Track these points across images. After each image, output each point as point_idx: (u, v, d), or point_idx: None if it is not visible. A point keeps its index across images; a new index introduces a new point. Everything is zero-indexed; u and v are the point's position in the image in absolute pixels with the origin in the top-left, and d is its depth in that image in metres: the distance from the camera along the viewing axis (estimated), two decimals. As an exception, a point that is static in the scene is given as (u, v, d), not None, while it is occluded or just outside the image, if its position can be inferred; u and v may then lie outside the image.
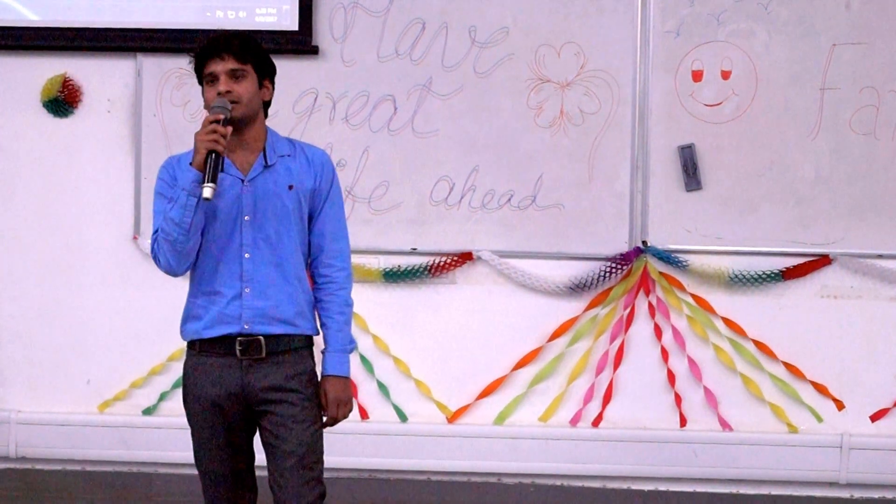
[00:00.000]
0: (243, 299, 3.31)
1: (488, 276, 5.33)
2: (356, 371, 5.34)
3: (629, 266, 5.27)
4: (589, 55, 5.26)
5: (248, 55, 3.33)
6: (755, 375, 5.27)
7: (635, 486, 5.33)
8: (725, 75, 5.24)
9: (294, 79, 5.31)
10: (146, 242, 5.38)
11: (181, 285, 5.33)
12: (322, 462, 3.37)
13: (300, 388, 3.34)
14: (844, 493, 5.27)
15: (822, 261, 5.24)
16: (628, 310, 5.30)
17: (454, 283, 5.36)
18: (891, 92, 5.19)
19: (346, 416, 3.42)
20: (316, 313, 3.45)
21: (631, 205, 5.26)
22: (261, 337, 3.31)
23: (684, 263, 5.25)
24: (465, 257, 5.31)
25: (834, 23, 5.19)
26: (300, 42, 5.29)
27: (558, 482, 5.34)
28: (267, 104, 3.44)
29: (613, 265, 5.26)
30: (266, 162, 3.36)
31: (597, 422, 5.33)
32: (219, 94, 3.28)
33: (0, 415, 5.43)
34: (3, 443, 5.43)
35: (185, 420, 5.28)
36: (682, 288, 5.29)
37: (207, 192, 3.15)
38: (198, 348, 3.38)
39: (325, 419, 3.41)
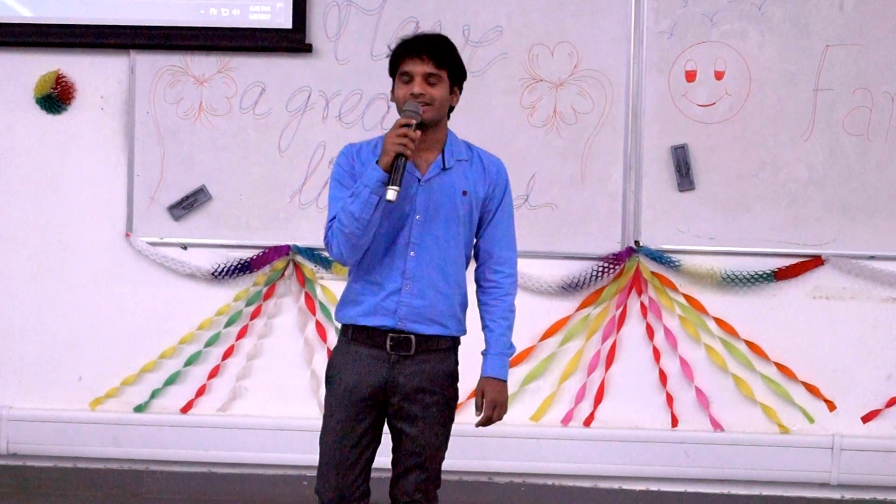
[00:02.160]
0: (401, 295, 3.41)
1: (481, 275, 5.33)
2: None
3: (621, 266, 5.27)
4: (582, 55, 5.26)
5: (445, 60, 3.41)
6: (747, 376, 5.28)
7: (626, 486, 5.33)
8: (719, 76, 5.24)
9: (287, 77, 5.32)
10: (139, 240, 5.39)
11: (176, 283, 5.41)
12: (443, 459, 3.53)
13: (440, 389, 3.47)
14: (835, 494, 5.27)
15: (814, 261, 5.24)
16: (620, 309, 5.30)
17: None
18: (884, 93, 5.20)
19: (500, 419, 3.54)
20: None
21: (623, 205, 5.26)
22: (412, 336, 3.42)
23: (677, 263, 5.26)
24: (458, 256, 5.31)
25: (827, 24, 5.20)
26: (294, 40, 5.29)
27: (549, 482, 5.34)
28: (451, 109, 3.51)
29: (606, 265, 5.26)
30: (444, 165, 3.44)
31: (588, 421, 5.33)
32: (412, 94, 3.36)
33: (-9, 411, 5.45)
34: (-5, 439, 5.44)
35: (176, 417, 5.40)
36: (674, 288, 5.29)
37: (391, 194, 3.23)
38: (350, 335, 3.48)
39: (479, 419, 3.52)
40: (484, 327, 3.53)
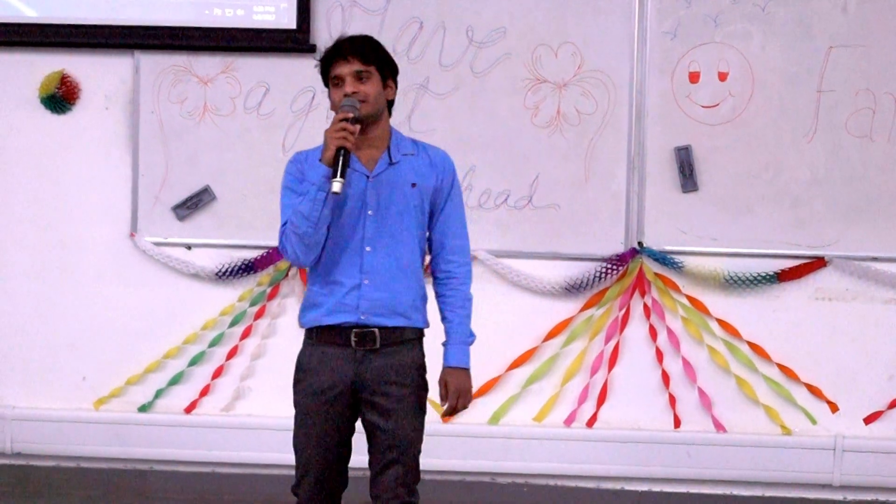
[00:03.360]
0: (362, 290, 3.45)
1: (484, 276, 5.32)
2: (351, 369, 5.36)
3: (625, 267, 5.27)
4: (586, 56, 5.27)
5: (373, 57, 3.47)
6: (749, 377, 5.28)
7: (629, 487, 5.33)
8: (722, 77, 5.25)
9: (291, 77, 5.32)
10: (143, 240, 5.40)
11: (180, 283, 5.42)
12: (420, 451, 3.53)
13: (408, 380, 3.49)
14: (838, 496, 5.27)
15: (817, 263, 5.24)
16: (623, 310, 5.31)
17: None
18: (887, 94, 5.20)
19: (465, 407, 3.58)
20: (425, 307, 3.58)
21: (627, 205, 5.27)
22: (376, 329, 3.46)
23: (680, 264, 5.26)
24: (461, 257, 5.32)
25: (831, 25, 5.20)
26: (298, 40, 5.30)
27: (552, 482, 5.35)
28: (391, 104, 3.56)
29: (609, 266, 5.26)
30: (391, 159, 3.50)
31: (591, 422, 5.33)
32: (346, 94, 3.42)
33: (-5, 411, 5.46)
34: (-1, 439, 5.45)
35: (180, 417, 5.40)
36: (677, 289, 5.29)
37: (336, 186, 3.30)
38: (315, 338, 3.52)
39: (444, 408, 3.54)
40: (443, 318, 3.57)
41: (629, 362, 5.32)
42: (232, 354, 5.42)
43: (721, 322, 5.27)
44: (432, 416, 5.25)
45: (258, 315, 5.40)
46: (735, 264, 5.25)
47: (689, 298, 5.28)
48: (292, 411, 5.32)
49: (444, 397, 3.54)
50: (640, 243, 5.28)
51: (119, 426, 5.41)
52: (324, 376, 3.48)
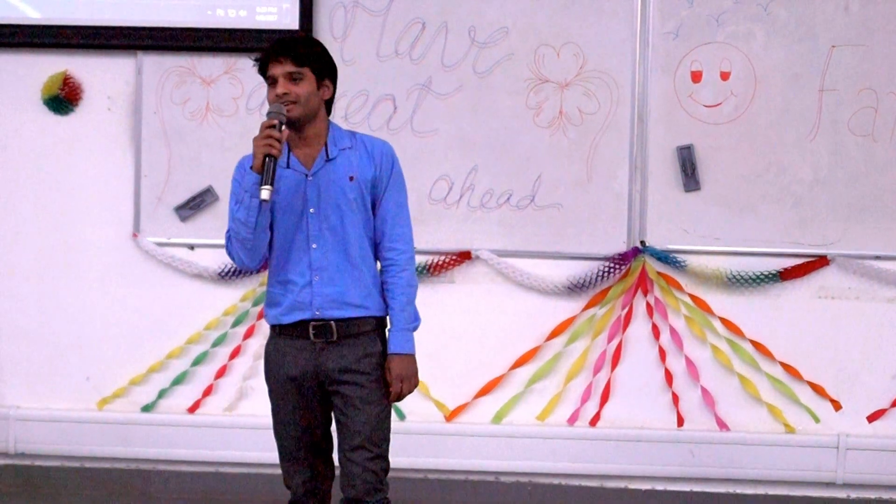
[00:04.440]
0: (313, 287, 3.55)
1: (487, 276, 5.33)
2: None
3: (627, 266, 5.28)
4: (588, 56, 5.27)
5: (305, 58, 3.53)
6: (752, 375, 5.28)
7: (633, 486, 5.34)
8: (724, 76, 5.25)
9: (294, 77, 5.32)
10: (146, 240, 5.41)
11: (183, 283, 5.42)
12: (388, 440, 3.61)
13: (369, 369, 3.57)
14: (841, 494, 5.27)
15: (819, 262, 5.25)
16: (626, 309, 5.31)
17: (453, 283, 5.37)
18: (889, 94, 5.20)
19: (410, 392, 3.63)
20: None
21: (629, 205, 5.27)
22: (332, 322, 3.55)
23: (682, 263, 5.27)
24: (464, 256, 5.33)
25: (833, 24, 5.20)
26: (300, 41, 5.30)
27: (556, 481, 5.35)
28: (329, 102, 3.63)
29: (611, 265, 5.27)
30: (327, 156, 3.57)
31: (594, 421, 5.33)
32: (277, 95, 3.49)
33: (-1, 411, 5.46)
34: (2, 439, 5.44)
35: (183, 417, 5.42)
36: (679, 288, 5.30)
37: (265, 194, 3.37)
38: (278, 331, 3.63)
39: (389, 395, 3.61)
40: (387, 305, 3.63)
41: (632, 361, 5.33)
42: (235, 354, 5.42)
43: (724, 321, 5.28)
44: (436, 417, 5.30)
45: (261, 315, 5.40)
46: (738, 263, 5.26)
47: (692, 297, 5.29)
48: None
49: (389, 383, 3.59)
50: (642, 242, 5.28)
51: (123, 426, 5.42)
52: (288, 367, 3.58)
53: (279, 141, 3.41)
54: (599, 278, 5.28)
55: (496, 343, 5.34)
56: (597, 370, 5.33)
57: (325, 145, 3.58)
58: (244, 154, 5.30)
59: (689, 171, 5.25)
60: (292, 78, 3.50)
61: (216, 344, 5.41)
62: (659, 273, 5.29)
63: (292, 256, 3.56)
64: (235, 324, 5.41)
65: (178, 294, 5.44)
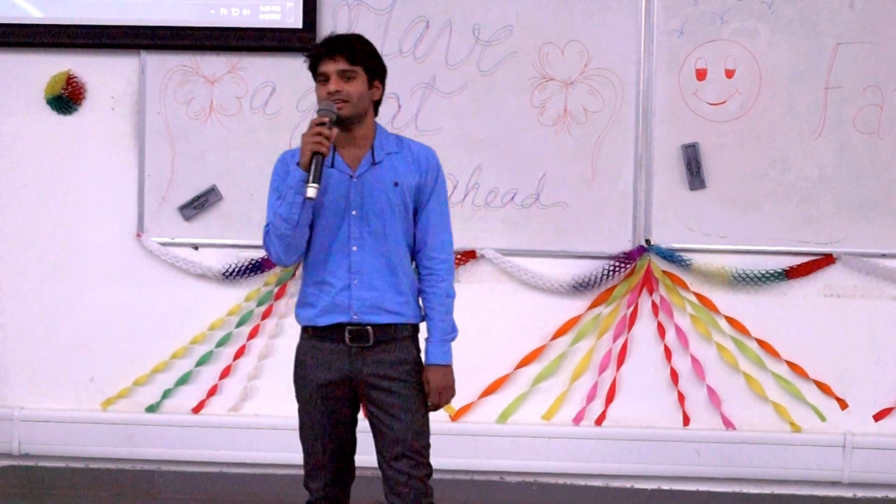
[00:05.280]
0: (352, 290, 3.51)
1: (491, 275, 5.33)
2: (359, 369, 5.36)
3: (632, 264, 5.27)
4: (593, 54, 5.26)
5: (359, 57, 3.51)
6: (758, 374, 5.27)
7: (638, 485, 5.33)
8: (729, 74, 5.24)
9: (297, 76, 5.26)
10: (149, 240, 5.40)
11: (187, 283, 5.41)
12: (429, 445, 3.60)
13: (405, 376, 3.54)
14: (847, 493, 5.26)
15: (825, 260, 5.24)
16: (631, 308, 5.30)
17: (457, 282, 5.23)
18: (894, 91, 5.19)
19: (448, 402, 3.63)
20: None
21: (634, 203, 5.26)
22: (369, 326, 3.51)
23: (687, 262, 5.25)
24: (469, 255, 5.32)
25: (838, 22, 5.19)
26: (304, 40, 5.28)
27: (561, 481, 5.34)
28: (377, 103, 3.61)
29: (617, 264, 5.26)
30: (374, 159, 3.54)
31: (600, 420, 5.33)
32: (328, 93, 3.46)
33: (3, 412, 5.44)
34: (7, 440, 5.43)
35: (187, 417, 5.40)
36: (685, 286, 5.29)
37: (311, 192, 3.34)
38: (311, 333, 3.58)
39: (428, 405, 3.59)
40: (425, 315, 3.61)
41: (637, 360, 5.32)
42: (239, 354, 5.42)
43: (729, 319, 5.27)
44: (441, 416, 5.28)
45: (265, 315, 5.40)
46: (743, 261, 5.25)
47: (698, 296, 5.28)
48: (300, 411, 5.39)
49: (427, 394, 3.59)
50: (647, 241, 5.27)
51: (127, 427, 5.41)
52: (320, 371, 3.54)
53: (328, 139, 3.37)
54: (604, 277, 5.27)
55: (501, 342, 5.33)
56: (602, 369, 5.32)
57: (372, 147, 3.55)
58: (248, 154, 5.36)
59: (694, 169, 5.24)
60: (345, 76, 3.47)
61: (220, 344, 5.41)
62: (664, 272, 5.28)
63: (331, 258, 3.52)
64: (240, 324, 5.40)
65: (182, 294, 5.43)
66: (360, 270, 3.50)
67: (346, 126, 3.49)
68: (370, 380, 3.52)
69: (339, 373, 3.52)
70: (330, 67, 3.48)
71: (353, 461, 3.69)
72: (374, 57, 3.58)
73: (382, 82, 3.62)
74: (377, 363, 3.52)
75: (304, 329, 3.61)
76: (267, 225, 3.52)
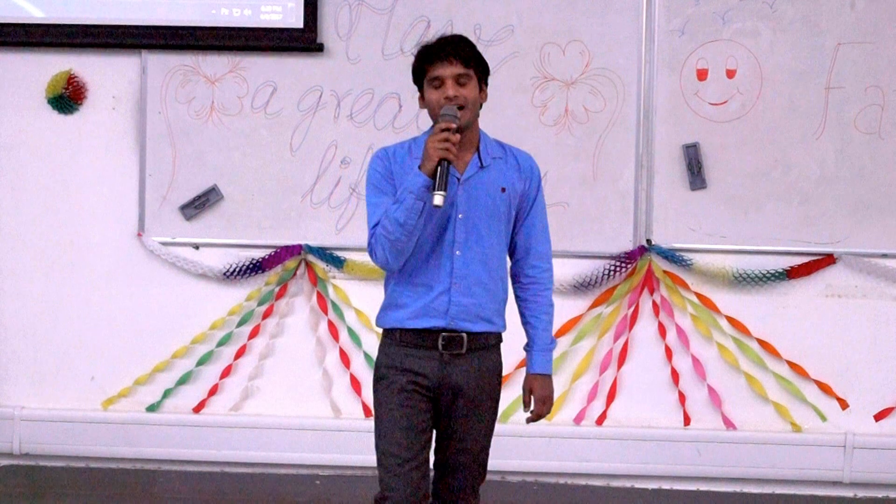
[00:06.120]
0: (451, 294, 3.41)
1: (492, 274, 5.33)
2: (360, 369, 5.36)
3: (633, 264, 5.27)
4: (594, 53, 5.26)
5: (472, 59, 3.41)
6: (759, 374, 5.27)
7: (639, 485, 5.33)
8: (730, 74, 5.24)
9: (299, 76, 5.32)
10: (150, 240, 5.39)
11: (187, 283, 5.41)
12: (489, 454, 3.56)
13: (489, 385, 3.50)
14: (848, 493, 5.27)
15: (826, 260, 5.24)
16: (632, 308, 5.30)
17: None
18: (895, 91, 5.19)
19: (548, 413, 3.58)
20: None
21: (635, 203, 5.26)
22: (464, 333, 3.42)
23: (688, 262, 5.26)
24: (470, 255, 5.31)
25: (839, 22, 5.19)
26: (305, 39, 5.29)
27: (562, 480, 5.34)
28: (480, 106, 3.48)
29: (618, 263, 5.26)
30: (481, 163, 3.46)
31: (601, 420, 5.33)
32: (446, 98, 3.35)
33: (4, 411, 5.44)
34: (7, 439, 5.43)
35: (188, 416, 5.41)
36: (686, 286, 5.29)
37: (439, 199, 3.24)
38: (398, 337, 3.46)
39: (529, 415, 3.55)
40: (525, 323, 3.56)
41: (638, 360, 5.32)
42: (240, 354, 5.42)
43: (730, 319, 5.27)
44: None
45: (266, 314, 5.40)
46: (744, 261, 5.25)
47: (699, 296, 5.28)
48: (300, 410, 5.39)
49: (527, 403, 3.55)
50: (648, 241, 5.27)
51: (127, 426, 5.41)
52: (408, 376, 3.43)
53: (455, 144, 3.27)
54: (605, 277, 5.28)
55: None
56: (603, 369, 5.32)
57: (478, 151, 3.46)
58: (249, 153, 5.36)
59: (695, 169, 5.24)
60: (460, 80, 3.37)
61: (221, 343, 5.41)
62: (665, 272, 5.28)
63: (433, 261, 3.41)
64: (241, 323, 5.40)
65: (183, 293, 5.43)
66: (461, 275, 3.41)
67: (459, 130, 3.34)
68: (460, 388, 3.43)
69: (429, 380, 3.42)
70: (446, 71, 3.36)
71: (428, 474, 3.51)
72: (483, 60, 3.49)
73: (487, 84, 3.52)
74: (466, 372, 3.43)
75: (389, 333, 3.49)
76: (374, 227, 3.38)
